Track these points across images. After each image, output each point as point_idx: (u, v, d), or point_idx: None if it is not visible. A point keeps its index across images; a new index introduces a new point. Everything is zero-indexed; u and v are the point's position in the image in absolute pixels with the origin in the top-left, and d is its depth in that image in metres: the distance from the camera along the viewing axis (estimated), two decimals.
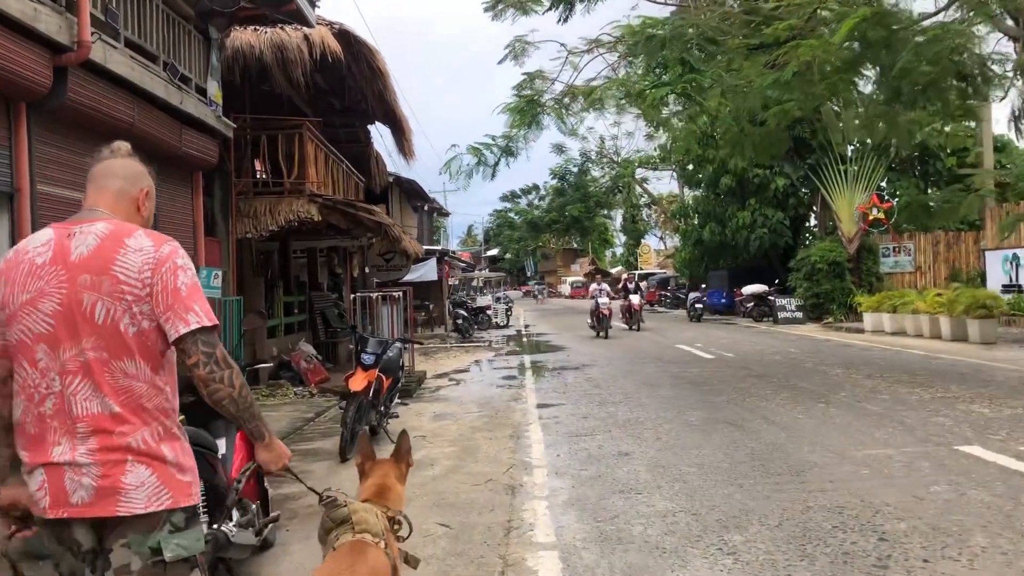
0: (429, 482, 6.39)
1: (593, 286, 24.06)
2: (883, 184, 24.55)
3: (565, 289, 72.76)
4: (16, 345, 2.12)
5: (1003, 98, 15.03)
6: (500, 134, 13.12)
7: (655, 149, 40.78)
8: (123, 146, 2.36)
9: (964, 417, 8.00)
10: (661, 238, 66.46)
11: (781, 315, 25.06)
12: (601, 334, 21.37)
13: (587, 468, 6.58)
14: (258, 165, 13.18)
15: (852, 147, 24.93)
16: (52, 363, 2.08)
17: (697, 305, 28.99)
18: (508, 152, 13.18)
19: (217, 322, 2.18)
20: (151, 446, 2.09)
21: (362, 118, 18.58)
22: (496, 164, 13.29)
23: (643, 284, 49.24)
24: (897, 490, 5.48)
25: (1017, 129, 13.42)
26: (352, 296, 15.29)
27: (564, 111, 12.48)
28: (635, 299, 23.85)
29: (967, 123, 24.18)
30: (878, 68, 11.86)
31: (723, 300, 32.41)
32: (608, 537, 4.78)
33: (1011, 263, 20.01)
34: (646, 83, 10.74)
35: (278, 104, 13.91)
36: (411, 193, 29.62)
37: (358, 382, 7.52)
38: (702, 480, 5.98)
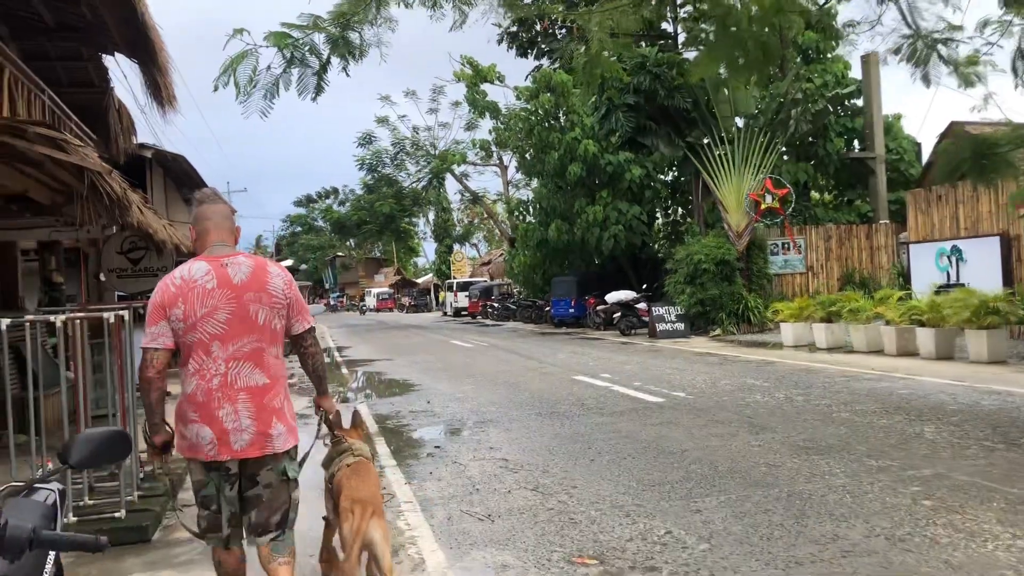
0: None
1: None
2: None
3: (371, 302, 65.91)
4: (196, 343, 3.13)
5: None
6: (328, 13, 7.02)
7: (491, 132, 35.39)
8: (214, 191, 3.51)
9: None
10: (474, 244, 61.53)
11: (660, 327, 20.49)
12: None
13: None
14: None
15: (741, 121, 20.97)
16: (222, 353, 3.13)
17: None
18: (344, 48, 7.11)
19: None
20: (283, 404, 3.25)
21: (92, 44, 11.77)
22: (323, 68, 7.23)
23: (462, 294, 44.41)
24: None
25: (1015, 71, 9.80)
26: (60, 319, 8.37)
27: None
28: None
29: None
30: None
31: (571, 310, 27.75)
32: None
33: (949, 258, 16.44)
34: None
35: None
36: (181, 177, 21.38)
37: None
38: None
